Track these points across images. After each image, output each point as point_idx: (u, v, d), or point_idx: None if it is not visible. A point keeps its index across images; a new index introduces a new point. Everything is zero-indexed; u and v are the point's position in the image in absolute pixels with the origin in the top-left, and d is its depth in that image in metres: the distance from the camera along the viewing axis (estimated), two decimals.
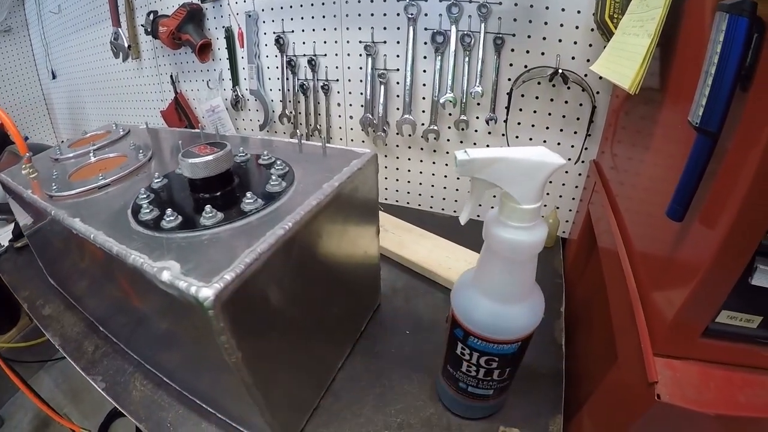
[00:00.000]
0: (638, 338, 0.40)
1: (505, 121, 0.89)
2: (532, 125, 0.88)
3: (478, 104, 0.90)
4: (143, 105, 1.56)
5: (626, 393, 0.43)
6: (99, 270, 0.60)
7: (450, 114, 0.94)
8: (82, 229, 0.50)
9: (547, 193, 0.94)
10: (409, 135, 0.98)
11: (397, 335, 0.71)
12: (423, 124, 0.96)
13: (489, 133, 0.92)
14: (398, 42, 0.92)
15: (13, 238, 1.25)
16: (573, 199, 0.92)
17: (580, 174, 0.90)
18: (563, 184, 0.92)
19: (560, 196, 0.94)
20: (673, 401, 0.36)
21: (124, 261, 0.42)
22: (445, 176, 1.02)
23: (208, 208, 0.45)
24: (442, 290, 0.80)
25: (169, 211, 0.46)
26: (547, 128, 0.88)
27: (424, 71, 0.92)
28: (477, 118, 0.92)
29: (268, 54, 1.08)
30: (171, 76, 1.32)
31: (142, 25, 1.27)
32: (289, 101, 1.09)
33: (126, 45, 1.33)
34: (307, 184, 0.52)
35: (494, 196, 0.41)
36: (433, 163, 1.02)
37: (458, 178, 1.00)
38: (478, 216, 1.01)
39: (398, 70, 0.94)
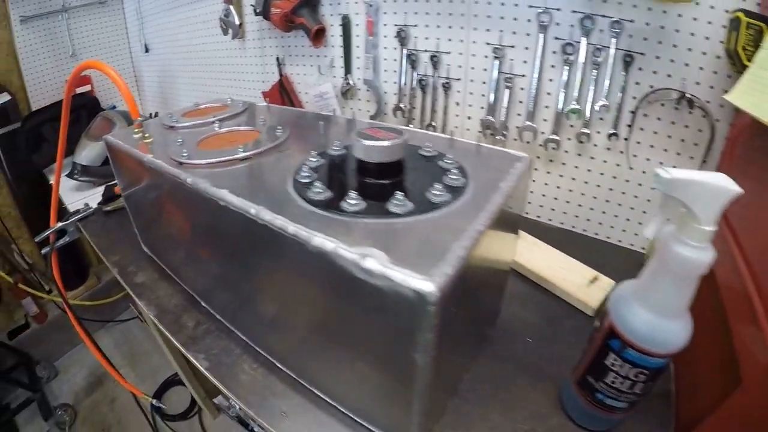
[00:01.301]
0: None
1: (626, 139, 0.86)
2: (651, 146, 0.84)
3: (601, 119, 0.87)
4: (243, 84, 1.58)
5: (755, 414, 0.44)
6: (226, 244, 0.59)
7: (572, 126, 0.90)
8: (236, 202, 0.49)
9: None
10: (528, 142, 0.96)
11: (518, 342, 0.69)
12: (543, 133, 0.94)
13: (608, 149, 0.89)
14: (527, 48, 0.89)
15: (102, 201, 1.27)
16: None
17: None
18: None
19: None
20: None
21: (303, 243, 0.40)
22: (558, 187, 0.99)
23: (399, 195, 0.43)
24: (556, 300, 0.78)
25: (353, 193, 0.44)
26: (665, 150, 0.84)
27: (550, 80, 0.89)
28: (598, 132, 0.88)
29: (387, 46, 1.07)
30: (277, 58, 1.32)
31: (251, 5, 1.28)
32: (404, 95, 1.08)
33: (237, 23, 1.34)
34: (480, 181, 0.50)
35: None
36: (548, 172, 0.98)
37: (570, 191, 0.98)
38: (560, 224, 1.00)
39: (524, 76, 0.91)
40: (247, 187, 0.53)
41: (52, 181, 1.74)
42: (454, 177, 0.48)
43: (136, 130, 0.79)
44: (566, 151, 0.94)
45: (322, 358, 0.55)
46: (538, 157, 0.97)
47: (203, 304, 0.79)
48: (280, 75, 1.34)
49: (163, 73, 2.08)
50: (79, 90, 2.02)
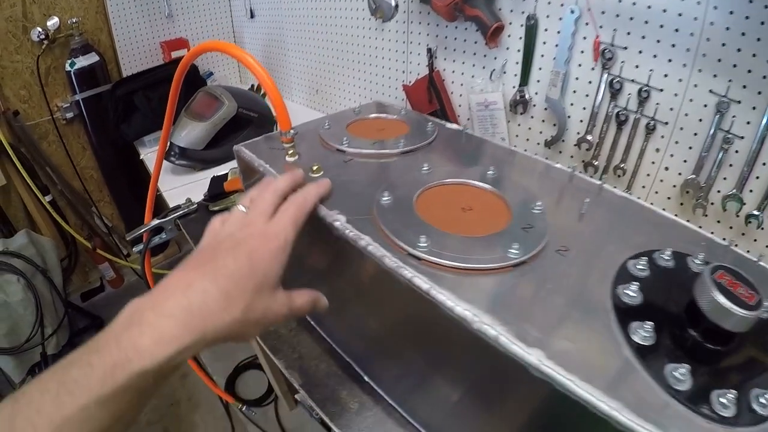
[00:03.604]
0: None
1: None
2: None
3: None
4: (375, 71, 1.51)
5: None
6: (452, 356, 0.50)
7: None
8: (547, 369, 0.38)
9: None
10: (724, 210, 0.89)
11: None
12: (744, 204, 0.87)
13: None
14: (754, 108, 0.82)
15: (207, 198, 1.21)
16: None
17: None
18: None
19: None
20: None
21: None
22: None
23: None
24: None
25: (731, 394, 0.35)
26: None
27: None
28: None
29: (582, 63, 0.99)
30: (429, 49, 1.25)
31: None
32: (594, 126, 1.00)
33: (393, 3, 1.25)
34: None
35: None
36: (735, 245, 0.91)
37: None
38: None
39: (743, 138, 0.84)
40: (530, 321, 0.42)
41: (142, 155, 1.73)
42: None
43: (287, 145, 0.69)
44: (762, 228, 0.88)
45: None
46: (730, 227, 0.92)
47: (366, 378, 0.72)
48: (431, 70, 1.27)
49: (270, 44, 2.03)
50: (175, 54, 1.99)
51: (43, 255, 1.84)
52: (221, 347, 2.09)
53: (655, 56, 0.90)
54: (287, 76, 2.00)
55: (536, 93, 1.09)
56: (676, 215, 0.61)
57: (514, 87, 1.12)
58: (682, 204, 0.95)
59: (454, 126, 0.85)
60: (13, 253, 1.70)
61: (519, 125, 1.17)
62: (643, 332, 0.40)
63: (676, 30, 0.85)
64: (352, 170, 0.69)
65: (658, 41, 0.88)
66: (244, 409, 1.33)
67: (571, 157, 1.09)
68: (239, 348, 2.03)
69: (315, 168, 0.66)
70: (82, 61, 1.84)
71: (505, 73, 1.13)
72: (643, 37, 0.90)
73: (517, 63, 1.10)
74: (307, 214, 0.53)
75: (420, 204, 0.59)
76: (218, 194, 1.21)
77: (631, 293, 0.44)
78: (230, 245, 0.46)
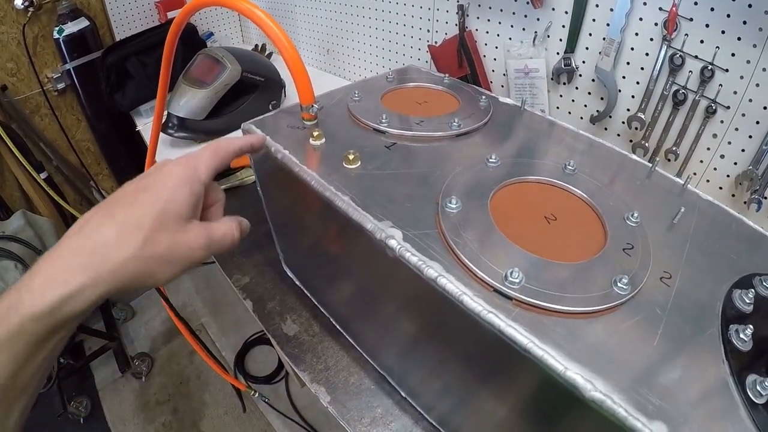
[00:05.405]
0: None
1: None
2: None
3: None
4: (396, 28, 1.43)
5: None
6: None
7: None
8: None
9: None
10: None
11: None
12: None
13: None
14: None
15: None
16: None
17: None
18: None
19: None
20: None
21: None
22: None
23: None
24: None
25: None
26: None
27: None
28: None
29: (640, 32, 0.93)
30: (461, 5, 1.17)
31: None
32: (647, 103, 0.96)
33: None
34: None
35: None
36: None
37: None
38: None
39: None
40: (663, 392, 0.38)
41: (139, 126, 1.66)
42: None
43: (309, 123, 0.63)
44: None
45: None
46: None
47: (393, 383, 0.72)
48: (462, 29, 1.20)
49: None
50: (171, 14, 1.89)
51: (42, 236, 1.82)
52: (228, 321, 2.12)
53: (723, 32, 0.85)
54: (294, 33, 1.91)
55: (584, 62, 1.04)
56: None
57: (558, 53, 1.07)
58: (733, 196, 0.93)
59: (508, 101, 0.80)
60: (9, 237, 1.68)
61: (561, 96, 1.12)
62: (761, 389, 0.38)
63: (750, 5, 0.80)
64: (398, 160, 0.61)
65: (728, 15, 0.83)
66: (256, 396, 1.34)
67: (618, 135, 1.06)
68: (247, 323, 2.05)
69: (351, 157, 0.58)
70: (71, 27, 1.77)
71: (548, 37, 1.07)
72: (712, 9, 0.84)
73: (563, 26, 1.04)
74: (232, 152, 0.53)
75: (496, 212, 0.51)
76: (224, 170, 1.17)
77: (744, 337, 0.41)
78: (147, 182, 0.44)
